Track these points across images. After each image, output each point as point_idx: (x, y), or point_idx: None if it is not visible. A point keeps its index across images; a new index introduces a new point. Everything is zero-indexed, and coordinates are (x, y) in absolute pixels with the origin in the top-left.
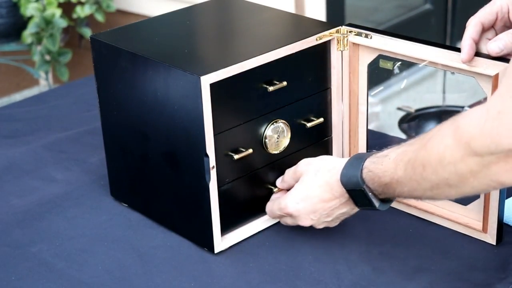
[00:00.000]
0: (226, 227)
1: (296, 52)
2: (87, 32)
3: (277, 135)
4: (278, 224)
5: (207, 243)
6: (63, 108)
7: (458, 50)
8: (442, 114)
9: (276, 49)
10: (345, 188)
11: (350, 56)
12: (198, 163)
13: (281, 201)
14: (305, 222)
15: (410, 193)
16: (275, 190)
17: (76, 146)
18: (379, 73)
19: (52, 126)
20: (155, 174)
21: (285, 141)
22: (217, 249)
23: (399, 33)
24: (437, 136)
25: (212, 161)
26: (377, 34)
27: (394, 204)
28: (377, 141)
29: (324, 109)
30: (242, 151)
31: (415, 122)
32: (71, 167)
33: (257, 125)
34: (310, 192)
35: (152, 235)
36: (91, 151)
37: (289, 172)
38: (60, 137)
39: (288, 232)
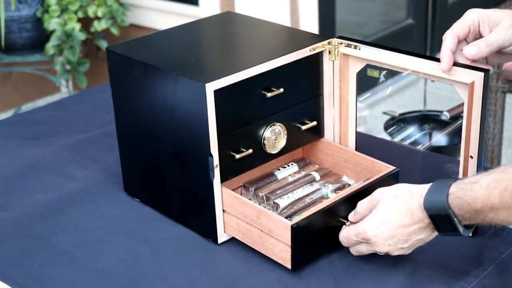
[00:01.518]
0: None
1: (291, 62)
2: (103, 44)
3: (274, 137)
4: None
5: (211, 234)
6: (81, 113)
7: (438, 60)
8: (423, 117)
9: (274, 59)
10: (428, 213)
11: (340, 65)
12: (203, 162)
13: (358, 227)
14: (382, 248)
15: (506, 220)
16: (347, 223)
17: (93, 146)
18: (366, 80)
19: (71, 129)
20: (165, 172)
21: (282, 142)
22: (220, 239)
23: (385, 45)
24: None
25: (216, 160)
26: (365, 45)
27: None
28: (365, 142)
29: (317, 113)
30: (243, 151)
31: (399, 125)
32: (88, 166)
33: (257, 128)
34: (389, 217)
35: (161, 227)
36: (106, 151)
37: (363, 203)
38: (79, 139)
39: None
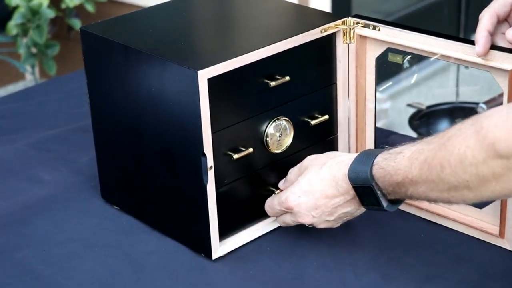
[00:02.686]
0: (224, 232)
1: (299, 45)
2: (77, 24)
3: (279, 134)
4: (280, 228)
5: (204, 248)
6: (50, 105)
7: (472, 42)
8: (455, 110)
9: (278, 42)
10: (352, 184)
11: (357, 49)
12: (195, 163)
13: (281, 195)
14: (306, 219)
15: (425, 194)
16: (277, 192)
17: (65, 145)
18: (387, 67)
19: (39, 124)
20: (149, 175)
21: (288, 140)
22: (215, 255)
23: (409, 25)
24: (457, 136)
25: (210, 161)
26: (385, 26)
27: (404, 207)
28: (386, 140)
29: (329, 105)
30: (242, 151)
31: (426, 119)
32: (59, 167)
33: (258, 123)
34: (313, 186)
35: (145, 240)
36: (80, 150)
37: (293, 171)
38: (48, 135)
39: (292, 237)
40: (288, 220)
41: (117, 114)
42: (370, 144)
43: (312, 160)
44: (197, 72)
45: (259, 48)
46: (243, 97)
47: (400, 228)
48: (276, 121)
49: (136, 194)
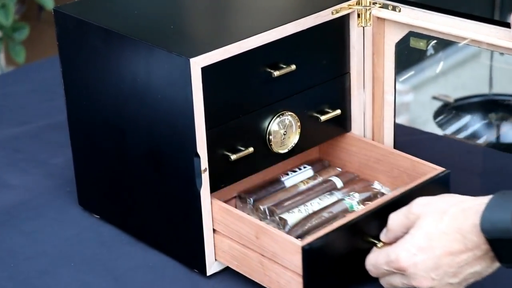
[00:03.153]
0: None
1: (307, 29)
2: (49, 3)
3: (283, 131)
4: None
5: (197, 263)
6: (19, 97)
7: (508, 25)
8: (488, 104)
9: (283, 25)
10: (487, 237)
11: (373, 33)
12: (187, 165)
13: (390, 253)
14: (423, 283)
15: None
16: (379, 245)
17: (36, 144)
18: (409, 54)
19: (5, 119)
20: (134, 178)
21: (294, 138)
22: (210, 271)
23: (435, 5)
24: None
25: (204, 163)
26: (407, 6)
27: None
28: (407, 138)
29: (341, 98)
30: (241, 150)
31: (454, 114)
32: (29, 170)
33: (259, 119)
34: (433, 242)
35: (130, 253)
36: (54, 150)
37: (397, 218)
38: (16, 133)
39: None
40: (398, 282)
41: (97, 108)
42: (388, 142)
43: (425, 206)
44: (189, 59)
45: (261, 32)
46: (242, 88)
47: None
48: (280, 116)
49: (119, 201)
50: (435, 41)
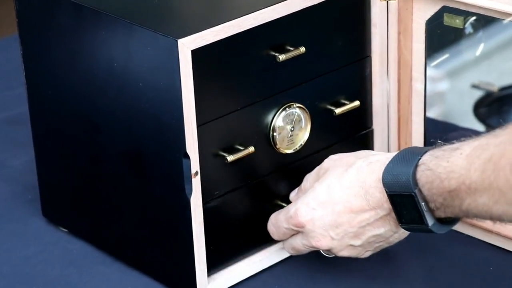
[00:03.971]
0: (215, 263)
1: (319, 4)
2: None
3: (290, 127)
4: (291, 259)
5: (187, 286)
6: None
7: None
8: None
9: None
10: (387, 191)
11: (399, 9)
12: (174, 168)
13: (290, 207)
14: (322, 242)
15: (486, 208)
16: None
17: None
18: (443, 33)
19: None
20: (110, 184)
21: (303, 136)
22: None
23: None
24: None
25: (195, 165)
26: None
27: (465, 228)
28: (441, 135)
29: (360, 87)
30: (240, 150)
31: (498, 105)
32: None
33: (262, 112)
34: (333, 196)
35: (105, 275)
36: (13, 149)
37: (309, 177)
38: None
39: (305, 271)
40: (299, 244)
41: (65, 99)
42: (418, 141)
43: (335, 161)
44: (176, 41)
45: (263, 8)
46: (241, 76)
47: (461, 259)
48: (287, 109)
49: (92, 212)
50: (474, 17)
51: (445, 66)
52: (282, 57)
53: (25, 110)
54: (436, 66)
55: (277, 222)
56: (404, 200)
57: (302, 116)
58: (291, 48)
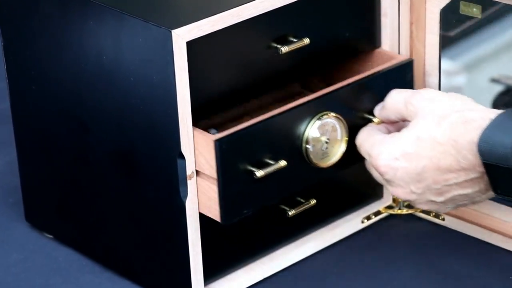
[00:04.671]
0: (213, 271)
1: None
2: None
3: (326, 138)
4: (291, 268)
5: None
6: None
7: None
8: None
9: None
10: (482, 160)
11: None
12: (169, 169)
13: (374, 146)
14: (400, 192)
15: None
16: (375, 120)
17: None
18: (459, 23)
19: None
20: (99, 187)
21: (339, 148)
22: None
23: None
24: None
25: (191, 165)
26: None
27: (483, 235)
28: None
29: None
30: (270, 164)
31: None
32: None
33: (293, 122)
34: (421, 149)
35: (93, 284)
36: None
37: (396, 99)
38: None
39: (306, 279)
40: (377, 176)
41: (50, 95)
42: None
43: (427, 102)
44: (170, 31)
45: None
46: (239, 69)
47: (476, 265)
48: (321, 119)
49: (79, 217)
50: (492, 6)
51: (461, 59)
52: (284, 49)
53: (7, 106)
54: (452, 58)
55: (361, 147)
56: (501, 171)
57: (337, 126)
58: (295, 40)
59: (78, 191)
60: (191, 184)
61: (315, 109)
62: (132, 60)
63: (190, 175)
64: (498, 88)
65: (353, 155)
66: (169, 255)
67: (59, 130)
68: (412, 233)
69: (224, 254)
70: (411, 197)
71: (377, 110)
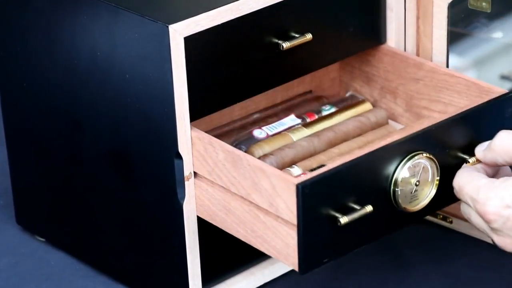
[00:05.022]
0: (212, 275)
1: None
2: None
3: (416, 180)
4: (291, 274)
5: None
6: None
7: None
8: None
9: None
10: None
11: None
12: (165, 170)
13: (481, 192)
14: (508, 243)
15: None
16: (470, 160)
17: None
18: (467, 17)
19: None
20: (93, 188)
21: (429, 191)
22: None
23: None
24: None
25: (189, 166)
26: None
27: None
28: None
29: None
30: (355, 210)
31: None
32: None
33: (381, 162)
34: None
35: None
36: None
37: (507, 140)
38: None
39: (307, 285)
40: (478, 223)
41: (42, 93)
42: None
43: None
44: (167, 26)
45: None
46: (239, 66)
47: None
48: (413, 159)
49: (72, 219)
50: None
51: (470, 54)
52: (286, 45)
53: None
54: (460, 54)
55: (461, 191)
56: None
57: (429, 166)
58: (297, 35)
59: (71, 192)
60: (189, 185)
61: (406, 149)
62: (127, 56)
63: (187, 176)
64: (507, 85)
65: (443, 198)
66: (166, 259)
67: (51, 129)
68: (420, 236)
69: (223, 258)
70: None
71: (480, 151)
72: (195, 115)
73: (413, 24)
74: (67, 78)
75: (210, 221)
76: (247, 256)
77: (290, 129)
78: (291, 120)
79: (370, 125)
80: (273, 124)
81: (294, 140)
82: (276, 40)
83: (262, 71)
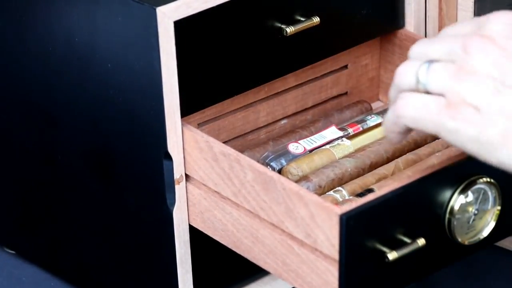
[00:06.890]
0: None
1: None
2: None
3: (474, 209)
4: None
5: None
6: None
7: None
8: None
9: None
10: None
11: None
12: (153, 172)
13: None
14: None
15: None
16: None
17: None
18: (495, 4)
19: None
20: (70, 193)
21: (488, 220)
22: None
23: None
24: None
25: (180, 168)
26: None
27: None
28: None
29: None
30: (405, 243)
31: None
32: None
33: (434, 188)
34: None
35: None
36: None
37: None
38: None
39: None
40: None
41: (12, 84)
42: None
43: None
44: (155, 9)
45: None
46: (236, 54)
47: None
48: (471, 185)
49: (46, 229)
50: None
51: None
52: (290, 29)
53: None
54: None
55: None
56: None
57: (489, 193)
58: (302, 19)
59: (44, 198)
60: (180, 189)
61: (463, 172)
62: (109, 43)
63: (178, 179)
64: None
65: (504, 228)
66: (153, 273)
67: (22, 126)
68: None
69: (218, 272)
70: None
71: None
72: (186, 110)
73: (435, 6)
74: (40, 68)
75: (234, 249)
76: (245, 270)
77: (331, 143)
78: (332, 132)
79: (423, 137)
80: (311, 138)
81: (337, 157)
82: (279, 25)
83: (263, 59)
